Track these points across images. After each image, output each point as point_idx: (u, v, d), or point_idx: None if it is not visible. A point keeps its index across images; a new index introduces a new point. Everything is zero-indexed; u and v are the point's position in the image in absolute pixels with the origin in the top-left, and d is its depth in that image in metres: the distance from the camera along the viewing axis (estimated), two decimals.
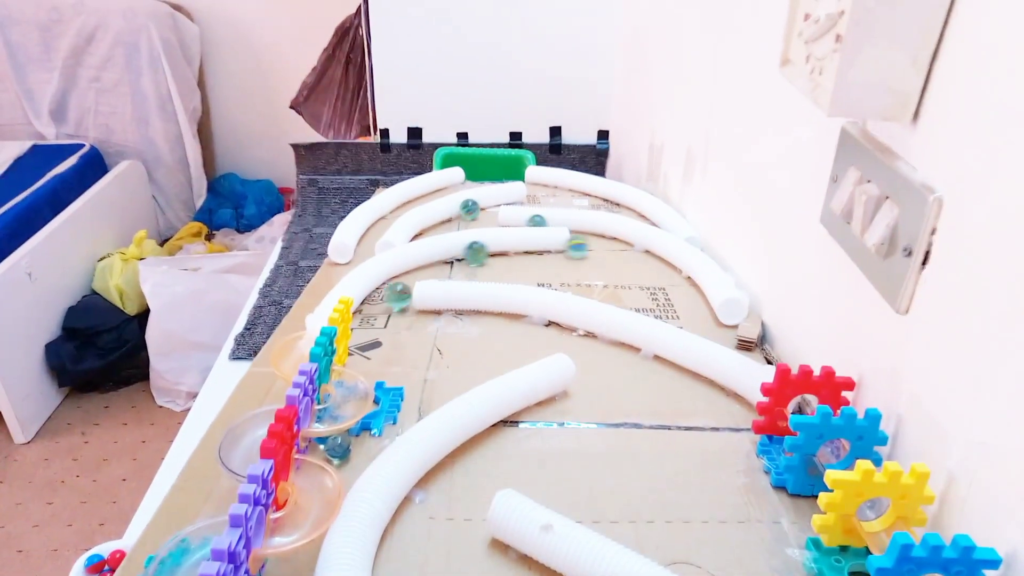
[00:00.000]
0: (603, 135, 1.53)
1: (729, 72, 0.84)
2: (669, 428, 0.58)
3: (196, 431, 0.58)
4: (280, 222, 2.45)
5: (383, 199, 1.02)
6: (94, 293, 1.98)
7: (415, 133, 1.51)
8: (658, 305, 0.77)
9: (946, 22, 0.43)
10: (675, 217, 0.96)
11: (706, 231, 0.91)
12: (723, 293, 0.73)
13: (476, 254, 0.84)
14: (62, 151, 2.19)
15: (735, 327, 0.72)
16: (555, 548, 0.43)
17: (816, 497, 0.45)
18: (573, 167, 1.52)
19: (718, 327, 0.73)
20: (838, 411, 0.47)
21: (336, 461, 0.53)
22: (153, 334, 1.83)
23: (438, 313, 0.75)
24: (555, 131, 1.53)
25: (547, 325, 0.73)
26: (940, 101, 0.44)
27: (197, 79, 2.44)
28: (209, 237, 2.44)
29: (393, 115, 1.50)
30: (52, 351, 1.83)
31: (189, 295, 1.83)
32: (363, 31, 1.49)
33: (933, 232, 0.44)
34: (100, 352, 1.89)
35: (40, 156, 2.17)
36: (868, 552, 0.43)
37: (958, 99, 0.43)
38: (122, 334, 1.91)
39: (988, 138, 0.40)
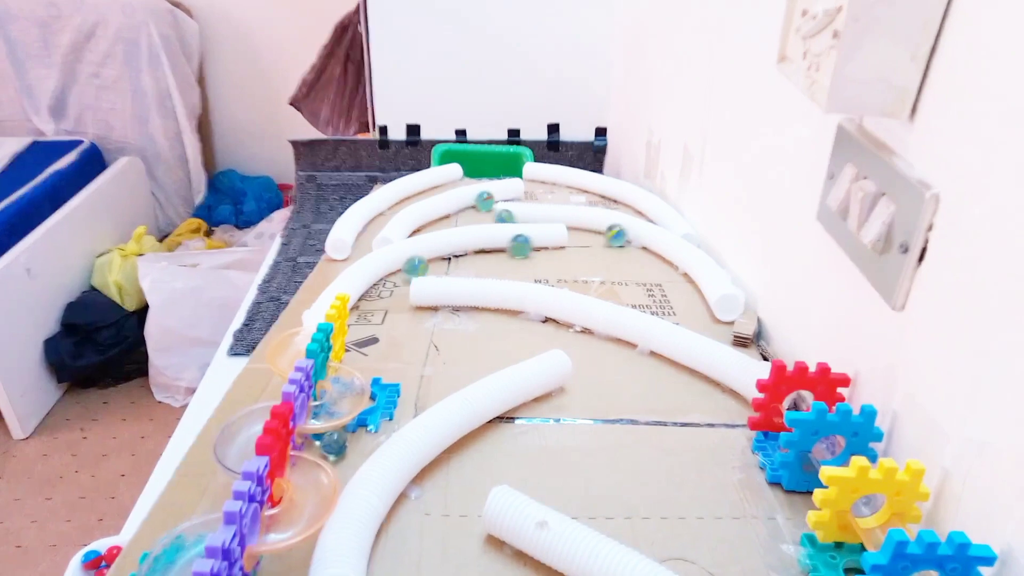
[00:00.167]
0: (601, 132, 1.53)
1: (727, 69, 0.83)
2: (665, 424, 0.58)
3: (194, 427, 0.58)
4: (279, 218, 2.44)
5: (381, 195, 1.02)
6: (93, 289, 1.98)
7: (413, 130, 1.51)
8: (655, 301, 0.77)
9: (944, 18, 0.43)
10: (672, 214, 0.96)
11: (703, 228, 0.91)
12: (719, 289, 0.73)
13: (520, 247, 0.85)
14: (61, 147, 2.18)
15: (731, 323, 0.72)
16: (550, 545, 0.43)
17: (811, 493, 0.45)
18: (571, 164, 1.51)
19: (714, 323, 0.73)
20: (833, 407, 0.47)
21: (332, 457, 0.53)
22: (152, 330, 1.83)
23: (435, 309, 0.75)
24: (553, 128, 1.52)
25: (544, 321, 0.73)
26: (937, 98, 0.44)
27: (196, 76, 2.44)
28: (208, 233, 2.44)
29: (392, 112, 1.50)
30: (51, 347, 1.83)
31: (188, 291, 1.83)
32: (362, 28, 1.48)
33: (929, 229, 0.44)
34: (99, 348, 1.89)
35: (39, 152, 2.16)
36: (863, 548, 0.44)
37: (955, 96, 0.42)
38: (121, 330, 1.91)
39: (985, 135, 0.40)
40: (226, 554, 0.36)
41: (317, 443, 0.54)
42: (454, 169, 1.14)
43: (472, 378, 0.57)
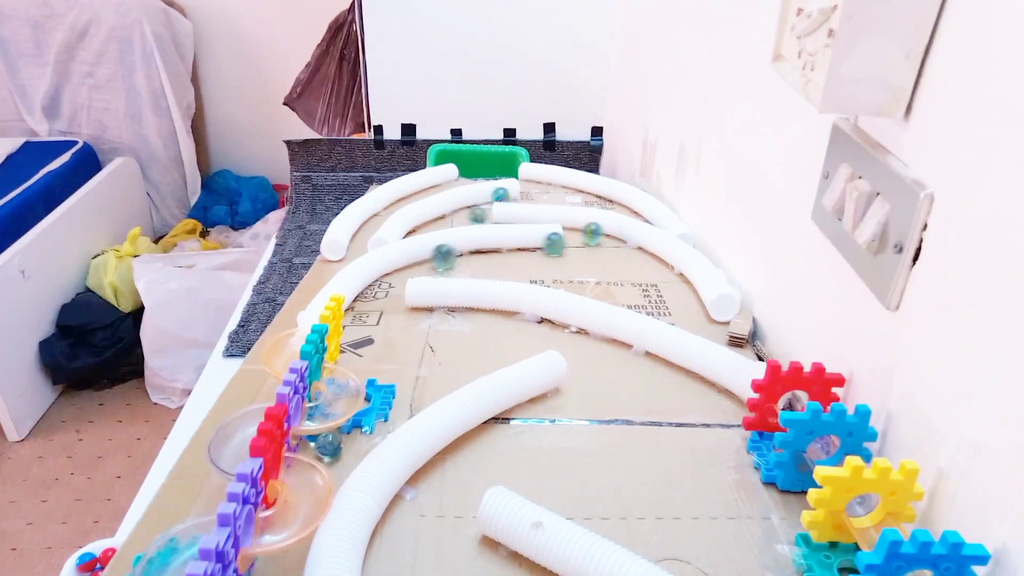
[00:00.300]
0: (597, 132, 1.53)
1: (722, 68, 0.83)
2: (660, 425, 0.58)
3: (190, 428, 0.57)
4: (275, 219, 2.44)
5: (377, 196, 1.02)
6: (88, 290, 1.98)
7: (409, 130, 1.51)
8: (650, 302, 0.77)
9: (939, 17, 0.43)
10: (668, 214, 0.96)
11: (699, 228, 0.91)
12: (715, 289, 0.73)
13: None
14: (55, 148, 2.17)
15: (727, 323, 0.72)
16: (545, 545, 0.43)
17: (806, 493, 0.45)
18: (567, 164, 1.52)
19: (710, 323, 0.73)
20: (828, 407, 0.47)
21: (327, 459, 0.53)
22: (147, 331, 1.83)
23: (430, 310, 0.75)
24: (549, 128, 1.52)
25: (539, 322, 0.73)
26: (932, 97, 0.44)
27: (191, 75, 2.43)
28: (204, 234, 2.43)
29: (387, 112, 1.50)
30: (46, 349, 1.83)
31: (183, 292, 1.83)
32: (357, 27, 1.48)
33: (924, 228, 0.44)
34: (94, 350, 1.88)
35: (33, 153, 2.15)
36: (857, 548, 0.44)
37: (950, 95, 0.42)
38: (116, 331, 1.90)
39: (980, 134, 0.40)
40: (220, 556, 0.36)
41: (312, 444, 0.54)
42: (450, 169, 1.14)
43: (467, 379, 0.57)
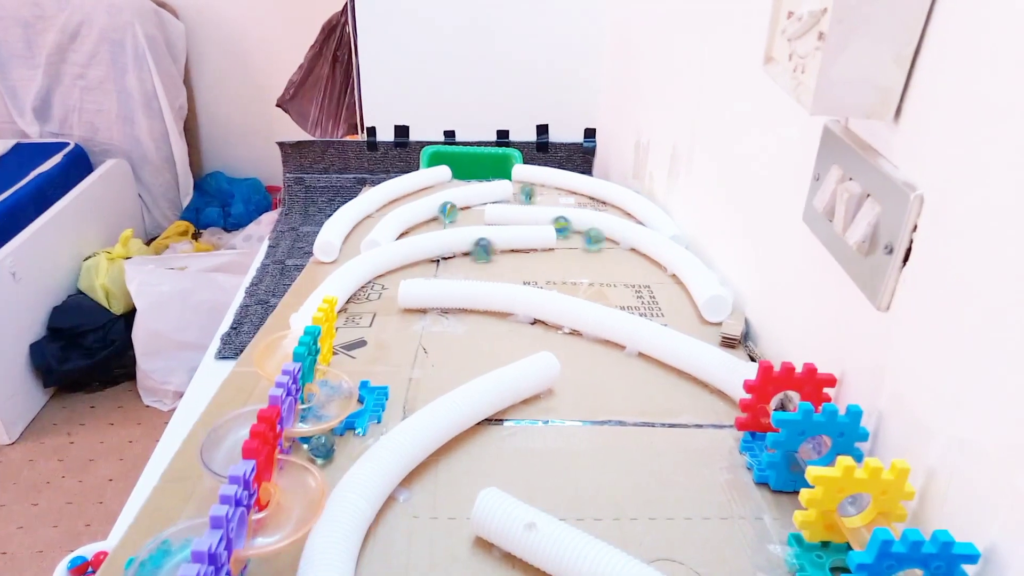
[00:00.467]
0: (590, 133, 1.53)
1: (715, 70, 0.84)
2: (653, 425, 0.58)
3: (182, 431, 0.57)
4: (268, 221, 2.43)
5: (369, 198, 1.02)
6: (79, 293, 1.97)
7: (402, 131, 1.51)
8: (643, 303, 0.77)
9: (928, 19, 0.44)
10: (660, 215, 0.97)
11: (691, 229, 0.91)
12: (707, 291, 0.74)
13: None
14: (46, 150, 2.16)
15: (719, 324, 0.72)
16: (539, 546, 0.43)
17: (798, 493, 0.45)
18: (560, 165, 1.52)
19: (702, 324, 0.73)
20: (820, 408, 0.47)
21: (320, 461, 0.53)
22: (139, 334, 1.82)
23: (423, 311, 0.75)
24: (542, 129, 1.53)
25: (532, 323, 0.73)
26: (922, 99, 0.45)
27: (183, 77, 2.43)
28: (196, 236, 2.42)
29: (380, 113, 1.50)
30: (37, 351, 1.82)
31: (175, 294, 1.82)
32: (350, 29, 1.48)
33: (914, 230, 0.45)
34: (86, 352, 1.87)
35: (24, 155, 2.14)
36: (849, 548, 0.44)
37: (939, 97, 0.43)
38: (108, 334, 1.90)
39: (969, 136, 0.40)
40: (212, 558, 0.36)
41: (305, 446, 0.54)
42: (443, 171, 1.14)
43: (461, 380, 0.57)
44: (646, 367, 0.66)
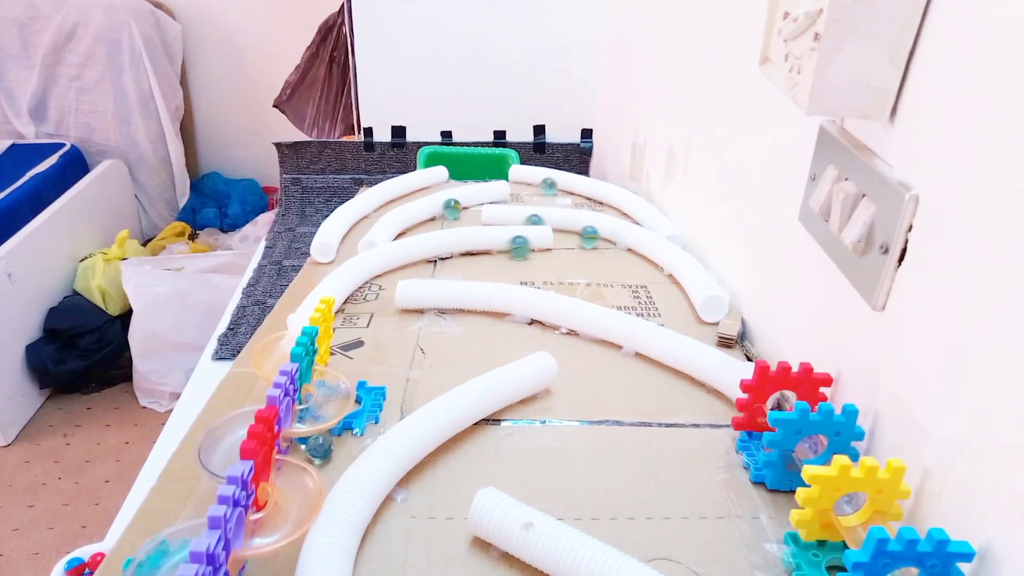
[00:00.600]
0: (587, 134, 1.53)
1: (711, 71, 0.84)
2: (650, 425, 0.58)
3: (179, 432, 0.57)
4: (264, 221, 2.43)
5: (366, 198, 1.02)
6: (76, 294, 1.96)
7: (399, 132, 1.51)
8: (640, 303, 0.77)
9: (923, 20, 0.44)
10: (657, 215, 0.97)
11: (688, 229, 0.91)
12: (704, 291, 0.74)
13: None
14: (42, 150, 2.16)
15: (716, 324, 0.73)
16: (536, 546, 0.43)
17: (794, 492, 0.45)
18: (557, 166, 1.52)
19: (699, 324, 0.73)
20: (816, 407, 0.48)
21: (317, 461, 0.53)
22: (136, 335, 1.82)
23: (421, 312, 0.75)
24: (539, 130, 1.53)
25: (530, 323, 0.73)
26: (917, 99, 0.45)
27: (179, 77, 2.42)
28: (193, 237, 2.42)
29: (377, 114, 1.50)
30: (33, 352, 1.81)
31: (172, 295, 1.82)
32: (347, 29, 1.48)
33: (909, 230, 0.45)
34: (82, 353, 1.87)
35: (20, 155, 2.14)
36: (845, 546, 0.44)
37: (935, 97, 0.43)
38: (104, 335, 1.89)
39: (964, 136, 0.40)
40: (211, 559, 0.36)
41: (302, 447, 0.54)
42: (440, 172, 1.14)
43: (458, 381, 0.57)
44: (643, 367, 0.66)
